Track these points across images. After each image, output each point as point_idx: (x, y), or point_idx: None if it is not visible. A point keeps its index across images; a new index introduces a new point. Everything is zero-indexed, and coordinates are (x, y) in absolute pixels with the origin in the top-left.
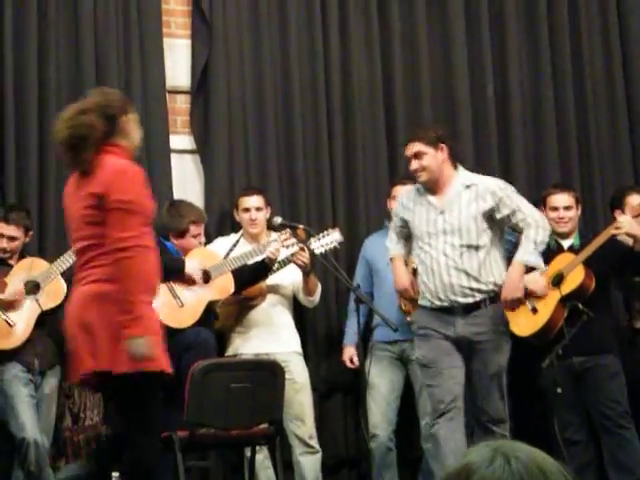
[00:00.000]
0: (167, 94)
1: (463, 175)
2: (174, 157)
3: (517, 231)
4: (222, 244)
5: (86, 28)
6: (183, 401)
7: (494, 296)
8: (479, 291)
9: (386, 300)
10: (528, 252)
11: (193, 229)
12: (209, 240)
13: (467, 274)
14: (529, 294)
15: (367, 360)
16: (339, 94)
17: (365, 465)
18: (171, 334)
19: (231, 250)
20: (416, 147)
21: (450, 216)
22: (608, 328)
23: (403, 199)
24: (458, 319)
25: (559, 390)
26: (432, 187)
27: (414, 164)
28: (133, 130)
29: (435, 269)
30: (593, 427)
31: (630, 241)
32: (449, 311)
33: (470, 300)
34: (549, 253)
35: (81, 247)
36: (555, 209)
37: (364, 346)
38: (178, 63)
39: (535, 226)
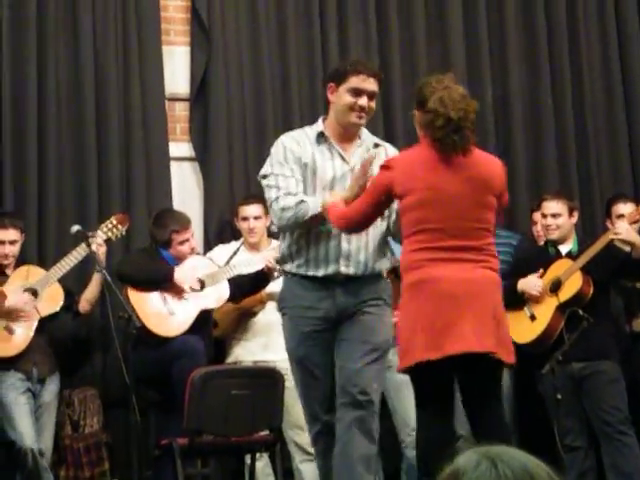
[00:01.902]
0: (166, 101)
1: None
2: (173, 165)
3: None
4: (222, 252)
5: (85, 36)
6: (181, 408)
7: None
8: None
9: None
10: None
11: (177, 237)
12: (209, 248)
13: None
14: (527, 300)
15: None
16: None
17: None
18: (159, 343)
19: (231, 258)
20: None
21: None
22: (608, 334)
23: None
24: None
25: (559, 396)
26: None
27: None
28: None
29: None
30: (593, 433)
31: (627, 248)
32: None
33: None
34: (548, 259)
35: (476, 228)
36: (544, 216)
37: None
38: (177, 70)
39: None
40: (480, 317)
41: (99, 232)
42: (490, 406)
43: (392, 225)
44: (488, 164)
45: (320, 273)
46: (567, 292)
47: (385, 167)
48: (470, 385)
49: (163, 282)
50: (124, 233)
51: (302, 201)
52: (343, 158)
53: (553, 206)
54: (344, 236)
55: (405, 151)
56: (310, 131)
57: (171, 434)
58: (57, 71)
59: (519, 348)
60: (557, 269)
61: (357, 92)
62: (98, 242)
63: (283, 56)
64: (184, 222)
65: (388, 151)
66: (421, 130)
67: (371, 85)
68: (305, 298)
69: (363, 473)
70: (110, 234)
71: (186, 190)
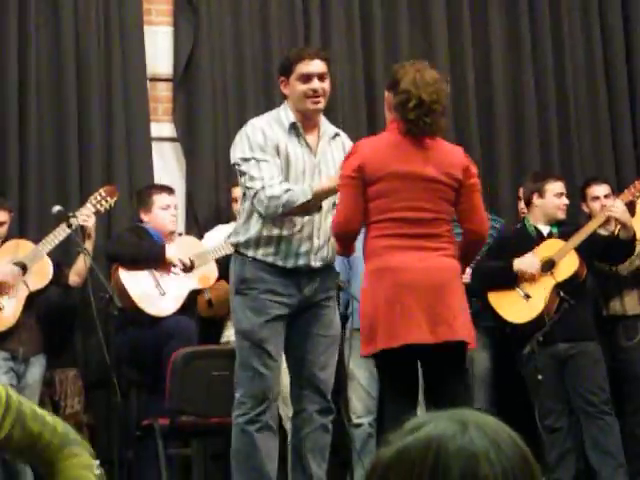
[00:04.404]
0: (148, 82)
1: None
2: (155, 145)
3: None
4: (222, 231)
5: (67, 16)
6: (164, 389)
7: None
8: None
9: None
10: None
11: (158, 199)
12: (191, 229)
13: None
14: (520, 280)
15: (345, 349)
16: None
17: (345, 452)
18: (152, 323)
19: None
20: None
21: None
22: (590, 315)
23: None
24: None
25: (540, 377)
26: None
27: None
28: None
29: None
30: (573, 413)
31: (611, 228)
32: None
33: None
34: (532, 239)
35: (431, 218)
36: (560, 195)
37: (343, 334)
38: (159, 51)
39: None
40: (439, 306)
41: (87, 205)
42: (454, 392)
43: None
44: (450, 153)
45: (289, 265)
46: (564, 272)
47: (352, 154)
48: (432, 373)
49: (155, 260)
50: (113, 205)
51: (289, 189)
52: (311, 150)
53: (562, 186)
54: (315, 231)
55: (372, 137)
56: (280, 118)
57: (153, 415)
58: (38, 52)
59: (501, 330)
60: (547, 249)
61: (306, 77)
62: (87, 214)
63: (267, 38)
64: (169, 188)
65: (345, 143)
66: (391, 113)
67: (317, 67)
68: (272, 282)
69: (321, 464)
70: (99, 206)
71: (168, 171)
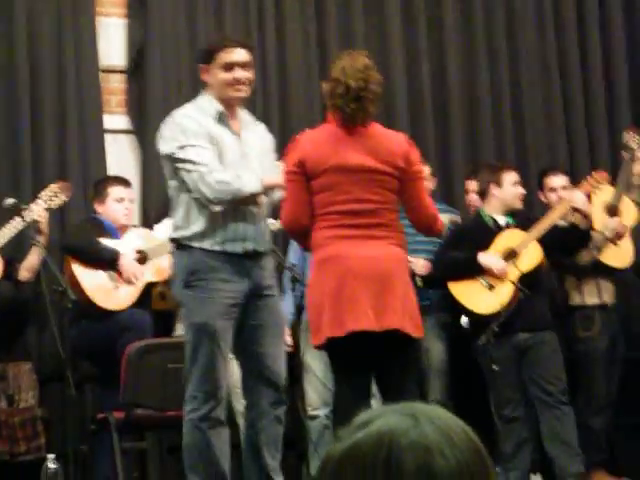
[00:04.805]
0: (101, 73)
1: None
2: (109, 138)
3: None
4: (169, 225)
5: (19, 8)
6: (119, 382)
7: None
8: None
9: None
10: None
11: (112, 191)
12: (147, 222)
13: None
14: (482, 271)
15: (301, 341)
16: (275, 77)
17: (302, 444)
18: (106, 316)
19: None
20: None
21: None
22: (547, 305)
23: None
24: None
25: (495, 367)
26: None
27: None
28: None
29: None
30: (529, 404)
31: (571, 219)
32: None
33: None
34: (490, 230)
35: (375, 208)
36: (517, 184)
37: (299, 326)
38: (112, 42)
39: None
40: (384, 294)
41: (39, 201)
42: (402, 382)
43: (275, 202)
44: (390, 140)
45: (238, 250)
46: (528, 263)
47: (294, 148)
48: (380, 364)
49: (108, 266)
50: (65, 201)
51: (239, 176)
52: (238, 139)
53: (517, 175)
54: (257, 215)
55: (312, 130)
56: (205, 108)
57: (108, 408)
58: None
59: (455, 323)
60: (507, 240)
61: (229, 66)
62: (39, 211)
63: (220, 27)
64: (125, 180)
65: (265, 131)
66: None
67: (241, 56)
68: (223, 271)
69: (275, 455)
70: (51, 202)
71: (122, 163)
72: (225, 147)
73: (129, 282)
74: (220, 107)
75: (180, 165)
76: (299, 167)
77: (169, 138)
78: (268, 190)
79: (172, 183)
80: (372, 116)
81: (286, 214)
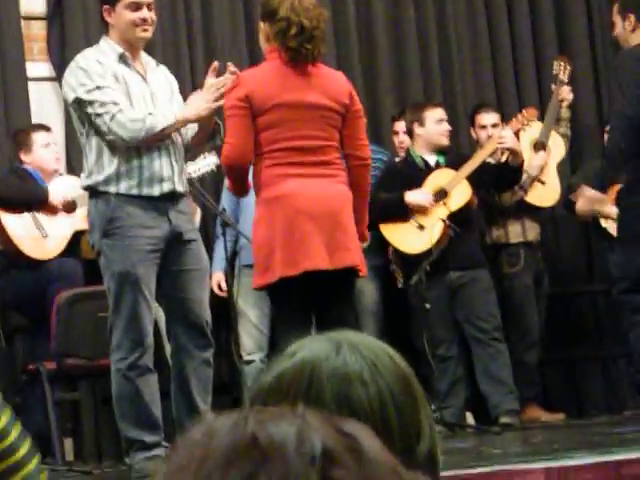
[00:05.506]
0: (22, 20)
1: None
2: (32, 85)
3: None
4: None
5: None
6: (49, 333)
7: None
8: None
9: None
10: None
11: (37, 138)
12: (72, 170)
13: None
14: (412, 211)
15: (234, 286)
16: (202, 42)
17: (237, 389)
18: (35, 265)
19: None
20: None
21: None
22: (477, 243)
23: None
24: None
25: (428, 306)
26: None
27: None
28: None
29: None
30: (462, 342)
31: (504, 157)
32: None
33: None
34: (420, 170)
35: (322, 145)
36: (441, 121)
37: (232, 271)
38: None
39: None
40: (336, 233)
41: None
42: (343, 319)
43: (187, 141)
44: (333, 77)
45: (155, 192)
46: (457, 201)
47: (236, 85)
48: (323, 302)
49: (39, 203)
50: None
51: (150, 113)
52: (143, 78)
53: (442, 112)
54: (173, 155)
55: (253, 68)
56: (105, 51)
57: (39, 359)
58: None
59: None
60: (437, 179)
61: (135, 7)
62: None
63: None
64: (45, 125)
65: (167, 72)
66: (269, 44)
67: None
68: (141, 217)
69: (206, 398)
70: None
71: (46, 111)
72: (132, 87)
73: (69, 210)
74: (121, 49)
75: (90, 109)
76: (245, 102)
77: (75, 84)
78: (182, 125)
79: (82, 130)
80: (322, 55)
81: (231, 149)
